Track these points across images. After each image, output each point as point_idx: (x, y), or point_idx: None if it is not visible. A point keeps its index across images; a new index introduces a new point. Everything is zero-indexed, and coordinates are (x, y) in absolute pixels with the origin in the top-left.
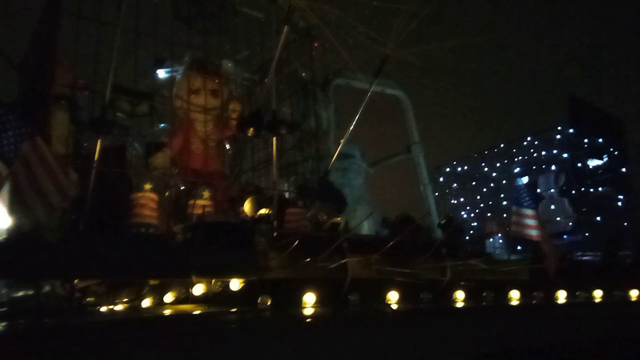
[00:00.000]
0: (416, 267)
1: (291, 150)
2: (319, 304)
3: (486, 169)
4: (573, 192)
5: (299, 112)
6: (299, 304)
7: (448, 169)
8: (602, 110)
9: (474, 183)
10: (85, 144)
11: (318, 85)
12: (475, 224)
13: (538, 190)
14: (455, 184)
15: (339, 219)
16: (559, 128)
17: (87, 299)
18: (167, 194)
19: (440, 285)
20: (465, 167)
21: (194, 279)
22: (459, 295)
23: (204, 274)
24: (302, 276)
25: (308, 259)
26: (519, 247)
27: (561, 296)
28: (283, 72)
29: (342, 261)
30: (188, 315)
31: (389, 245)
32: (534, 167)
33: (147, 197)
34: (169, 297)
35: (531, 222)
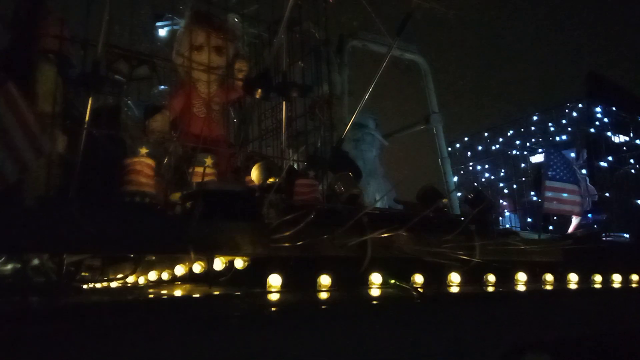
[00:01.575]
0: (443, 246)
1: (301, 117)
2: (335, 286)
3: (498, 146)
4: (596, 168)
5: (311, 75)
6: (314, 286)
7: (458, 145)
8: (621, 86)
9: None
10: (76, 104)
11: (332, 46)
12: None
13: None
14: (471, 163)
15: (358, 190)
16: (580, 105)
17: (81, 274)
18: (165, 160)
19: (467, 266)
20: (482, 145)
21: (192, 255)
22: (490, 278)
23: (204, 250)
24: (317, 254)
25: (324, 235)
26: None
27: (600, 280)
28: (294, 32)
29: (363, 238)
30: (186, 299)
31: (414, 221)
32: (550, 145)
33: (143, 163)
34: (165, 275)
35: (570, 197)
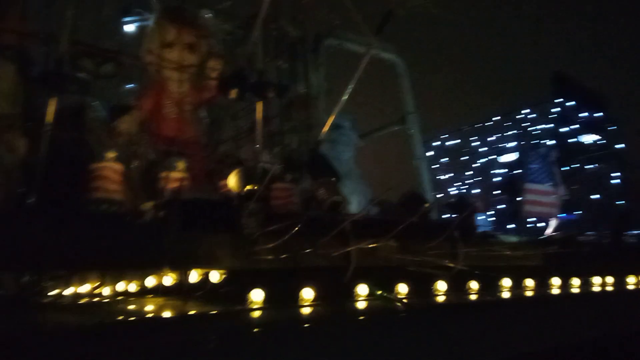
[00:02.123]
0: (427, 254)
1: (276, 117)
2: (320, 299)
3: (477, 144)
4: (566, 168)
5: (287, 74)
6: (297, 300)
7: (435, 144)
8: (588, 87)
9: (464, 158)
10: (38, 105)
11: (308, 45)
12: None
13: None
14: (445, 159)
15: (341, 197)
16: (556, 102)
17: (45, 285)
18: (134, 164)
19: (451, 272)
20: (459, 141)
21: (166, 271)
22: (474, 285)
23: (180, 265)
24: (299, 265)
25: (306, 244)
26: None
27: (577, 283)
28: (269, 29)
29: (349, 249)
30: (158, 320)
31: (399, 229)
32: (522, 142)
33: (111, 168)
34: (134, 287)
35: (548, 199)
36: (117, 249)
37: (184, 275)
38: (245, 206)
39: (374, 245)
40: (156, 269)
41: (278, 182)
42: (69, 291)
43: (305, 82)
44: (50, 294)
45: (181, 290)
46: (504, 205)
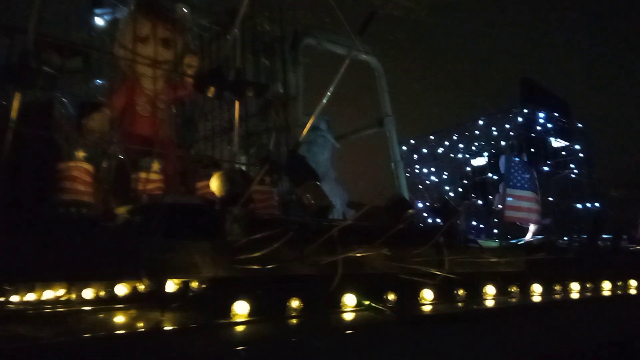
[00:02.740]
0: (414, 260)
1: (253, 117)
2: (307, 310)
3: (442, 149)
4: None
5: (264, 73)
6: (282, 311)
7: (405, 148)
8: (552, 92)
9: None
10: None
11: (286, 44)
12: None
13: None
14: (417, 166)
15: (328, 201)
16: (525, 110)
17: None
18: (104, 164)
19: (439, 281)
20: (427, 148)
21: (144, 281)
22: (462, 292)
23: (156, 273)
24: (285, 274)
25: (292, 252)
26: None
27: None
28: (247, 27)
29: (337, 257)
30: (131, 335)
31: (387, 235)
32: (493, 150)
33: (80, 168)
34: (103, 296)
35: (528, 204)
36: (87, 255)
37: (160, 284)
38: (228, 211)
39: (362, 253)
40: (130, 277)
41: (256, 185)
42: (29, 299)
43: (283, 81)
44: (9, 302)
45: (157, 300)
46: (478, 205)
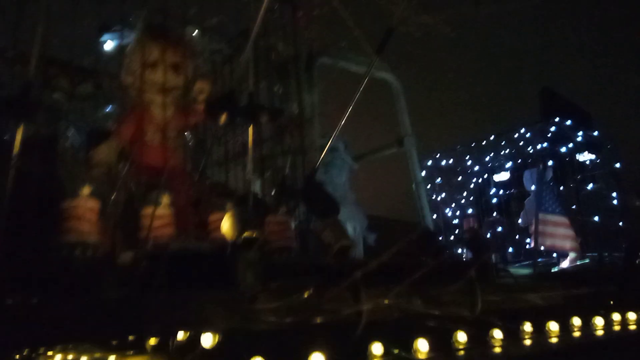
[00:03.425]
0: (444, 300)
1: (268, 141)
2: None
3: (469, 162)
4: (561, 188)
5: (278, 95)
6: None
7: (430, 162)
8: (574, 103)
9: (459, 178)
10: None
11: (301, 64)
12: (456, 221)
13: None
14: (439, 179)
15: (349, 241)
16: (557, 120)
17: None
18: (112, 200)
19: (472, 320)
20: (450, 161)
21: (147, 346)
22: (497, 335)
23: (166, 326)
24: (304, 325)
25: (311, 297)
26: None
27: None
28: (259, 48)
29: (362, 307)
30: None
31: (417, 275)
32: (518, 162)
33: (85, 206)
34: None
35: (563, 230)
36: (93, 303)
37: (170, 338)
38: (241, 256)
39: (389, 301)
40: (135, 334)
41: (272, 215)
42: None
43: (298, 103)
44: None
45: (165, 357)
46: (500, 229)
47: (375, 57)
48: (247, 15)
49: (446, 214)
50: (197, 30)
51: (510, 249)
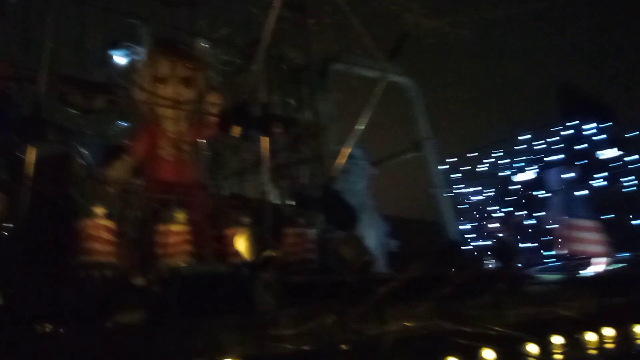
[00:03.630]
0: (470, 314)
1: (283, 151)
2: None
3: (491, 163)
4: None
5: (292, 104)
6: None
7: (447, 166)
8: (596, 98)
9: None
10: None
11: (314, 71)
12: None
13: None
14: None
15: (369, 257)
16: (578, 116)
17: None
18: (127, 219)
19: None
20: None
21: None
22: (531, 349)
23: (181, 354)
24: (327, 347)
25: (331, 315)
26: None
27: None
28: (270, 56)
29: (387, 329)
30: None
31: (443, 292)
32: (539, 164)
33: (100, 226)
34: None
35: (591, 235)
36: (107, 332)
37: None
38: (259, 276)
39: (414, 322)
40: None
41: (290, 227)
42: None
43: (312, 111)
44: None
45: None
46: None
47: (389, 62)
48: (258, 24)
49: (470, 215)
50: (206, 43)
51: (536, 252)
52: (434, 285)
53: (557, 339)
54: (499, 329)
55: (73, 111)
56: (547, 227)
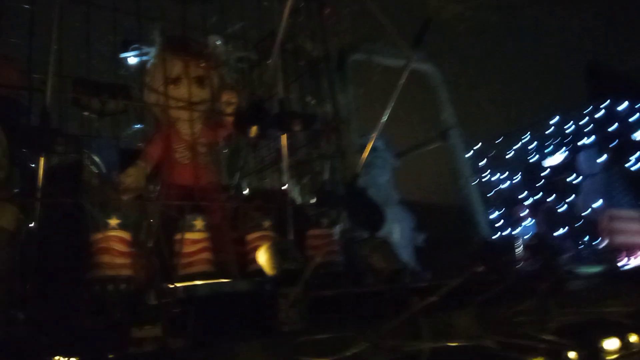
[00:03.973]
0: (512, 321)
1: (304, 147)
2: None
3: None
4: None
5: (311, 98)
6: None
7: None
8: (627, 75)
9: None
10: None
11: (332, 63)
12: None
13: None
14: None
15: (400, 264)
16: (609, 96)
17: None
18: (143, 228)
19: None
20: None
21: None
22: (571, 356)
23: None
24: None
25: (363, 329)
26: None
27: None
28: (286, 49)
29: (425, 345)
30: None
31: (482, 298)
32: (569, 148)
33: (115, 237)
34: None
35: (635, 226)
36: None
37: None
38: (283, 293)
39: (454, 343)
40: None
41: (314, 228)
42: None
43: (332, 104)
44: None
45: None
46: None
47: (413, 51)
48: (272, 17)
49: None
50: (219, 40)
51: (568, 239)
52: (474, 292)
53: (609, 344)
54: (548, 337)
55: (88, 114)
56: (579, 213)
